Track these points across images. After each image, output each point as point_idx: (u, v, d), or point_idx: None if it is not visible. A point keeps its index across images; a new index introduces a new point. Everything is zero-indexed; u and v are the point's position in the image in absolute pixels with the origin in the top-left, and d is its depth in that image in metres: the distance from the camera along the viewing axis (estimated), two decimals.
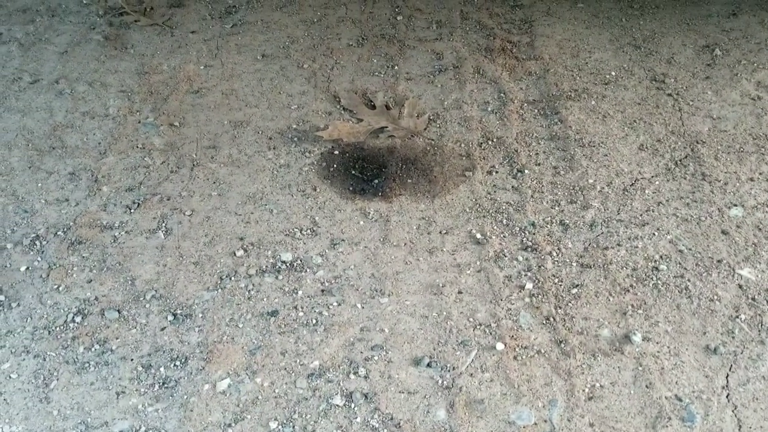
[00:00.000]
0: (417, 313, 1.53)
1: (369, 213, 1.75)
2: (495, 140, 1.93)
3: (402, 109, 2.01)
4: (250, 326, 1.51)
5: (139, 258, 1.64)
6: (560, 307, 1.54)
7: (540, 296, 1.56)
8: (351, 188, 1.81)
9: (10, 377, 1.42)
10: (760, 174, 1.82)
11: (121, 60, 2.22)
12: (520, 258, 1.64)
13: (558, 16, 2.38)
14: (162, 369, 1.43)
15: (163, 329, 1.50)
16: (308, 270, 1.62)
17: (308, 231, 1.70)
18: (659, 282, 1.58)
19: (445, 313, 1.53)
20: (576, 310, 1.53)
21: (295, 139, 1.95)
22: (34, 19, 2.38)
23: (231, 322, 1.52)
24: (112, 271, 1.62)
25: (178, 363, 1.44)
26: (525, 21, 2.35)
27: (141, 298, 1.56)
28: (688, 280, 1.58)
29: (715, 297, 1.55)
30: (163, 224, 1.72)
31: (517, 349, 1.46)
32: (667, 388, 1.40)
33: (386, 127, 1.97)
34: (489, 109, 2.03)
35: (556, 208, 1.75)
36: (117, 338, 1.49)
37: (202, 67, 2.19)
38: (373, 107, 2.03)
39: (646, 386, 1.40)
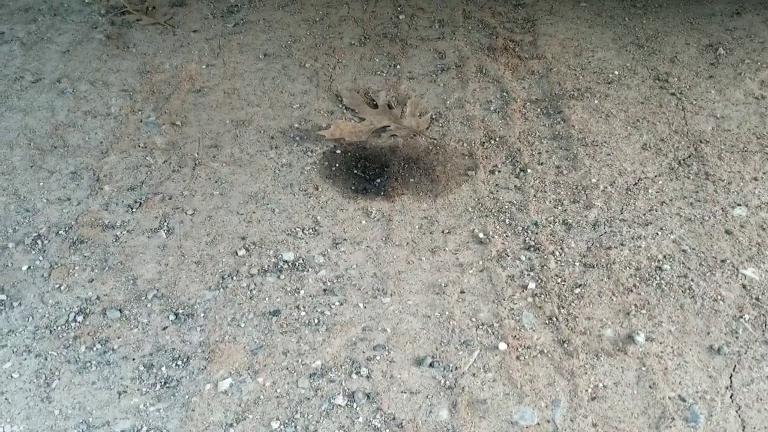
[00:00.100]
0: (419, 313, 1.53)
1: (371, 212, 1.74)
2: (497, 139, 1.93)
3: (404, 109, 2.01)
4: (251, 326, 1.51)
5: (140, 257, 1.64)
6: (563, 307, 1.53)
7: (543, 296, 1.55)
8: (353, 187, 1.81)
9: (11, 377, 1.42)
10: (764, 173, 1.82)
11: (123, 59, 2.22)
12: (523, 258, 1.63)
13: (561, 15, 2.37)
14: (164, 368, 1.43)
15: (164, 329, 1.50)
16: (310, 269, 1.61)
17: (310, 230, 1.70)
18: (662, 282, 1.58)
19: (447, 312, 1.53)
20: (579, 310, 1.53)
21: (297, 138, 1.94)
22: (36, 19, 2.38)
23: (233, 322, 1.51)
24: (113, 270, 1.61)
25: (179, 362, 1.44)
26: (527, 20, 2.35)
27: (143, 298, 1.56)
28: (692, 280, 1.58)
29: (719, 297, 1.54)
30: (165, 223, 1.72)
31: (519, 349, 1.46)
32: (670, 388, 1.39)
33: (388, 126, 1.96)
34: (491, 108, 2.03)
35: (559, 208, 1.75)
36: (119, 338, 1.48)
37: (204, 67, 2.18)
38: (376, 106, 2.03)
39: (650, 386, 1.39)
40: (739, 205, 1.74)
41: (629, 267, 1.61)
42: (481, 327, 1.50)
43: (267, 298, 1.56)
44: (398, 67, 2.17)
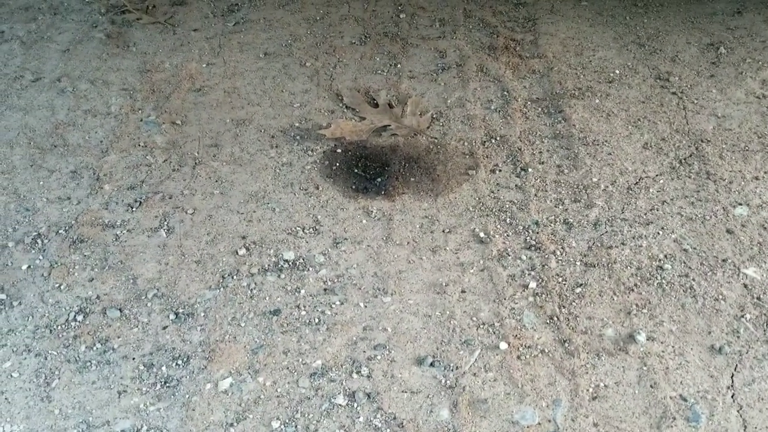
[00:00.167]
0: (420, 313, 1.52)
1: (372, 212, 1.74)
2: (498, 139, 1.92)
3: (405, 108, 2.01)
4: (252, 325, 1.50)
5: (140, 256, 1.64)
6: (564, 307, 1.53)
7: (544, 295, 1.55)
8: (354, 187, 1.81)
9: (11, 376, 1.42)
10: (766, 173, 1.81)
11: (123, 58, 2.22)
12: (524, 257, 1.63)
13: (562, 14, 2.37)
14: (164, 368, 1.43)
15: (164, 328, 1.50)
16: (311, 269, 1.61)
17: (311, 230, 1.70)
18: (664, 281, 1.57)
19: (448, 312, 1.52)
20: (580, 310, 1.52)
21: (298, 137, 1.94)
22: (36, 17, 2.38)
23: (233, 321, 1.51)
24: (113, 269, 1.61)
25: (180, 362, 1.44)
26: (528, 19, 2.34)
27: (143, 297, 1.55)
28: (693, 280, 1.58)
29: (720, 296, 1.54)
30: (165, 223, 1.71)
31: (520, 349, 1.45)
32: (671, 387, 1.39)
33: (389, 125, 1.96)
34: (492, 107, 2.02)
35: (560, 207, 1.74)
36: (119, 337, 1.48)
37: (204, 65, 2.18)
38: (376, 105, 2.02)
39: (651, 386, 1.39)
40: (741, 204, 1.74)
41: (630, 266, 1.60)
42: (481, 326, 1.49)
43: (267, 298, 1.55)
44: (399, 66, 2.17)
